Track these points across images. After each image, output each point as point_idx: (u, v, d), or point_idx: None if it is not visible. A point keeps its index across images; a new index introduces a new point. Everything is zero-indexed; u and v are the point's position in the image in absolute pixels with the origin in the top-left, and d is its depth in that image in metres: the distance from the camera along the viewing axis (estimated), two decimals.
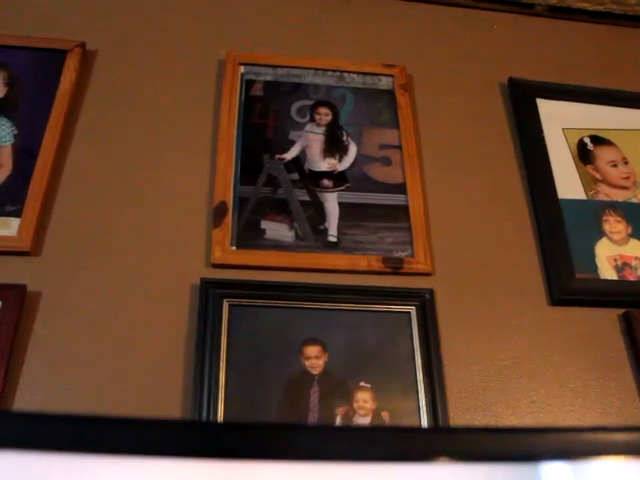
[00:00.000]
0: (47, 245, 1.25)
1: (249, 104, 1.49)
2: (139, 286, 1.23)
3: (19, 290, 1.16)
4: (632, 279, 1.39)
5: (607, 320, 1.34)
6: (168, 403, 1.11)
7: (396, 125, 1.52)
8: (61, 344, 1.15)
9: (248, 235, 1.31)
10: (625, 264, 1.41)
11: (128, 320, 1.19)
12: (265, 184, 1.39)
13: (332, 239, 1.34)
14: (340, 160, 1.45)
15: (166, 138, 1.42)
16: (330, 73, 1.58)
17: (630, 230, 1.46)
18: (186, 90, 1.50)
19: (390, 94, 1.57)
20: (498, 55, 1.72)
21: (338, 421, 1.13)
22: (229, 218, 1.32)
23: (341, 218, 1.37)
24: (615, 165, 1.57)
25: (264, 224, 1.33)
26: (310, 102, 1.53)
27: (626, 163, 1.57)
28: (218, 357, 1.14)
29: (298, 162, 1.43)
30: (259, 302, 1.23)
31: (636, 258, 1.42)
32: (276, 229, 1.33)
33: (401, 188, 1.43)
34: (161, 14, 1.62)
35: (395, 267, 1.32)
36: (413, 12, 1.75)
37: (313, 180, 1.42)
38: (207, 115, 1.47)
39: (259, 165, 1.41)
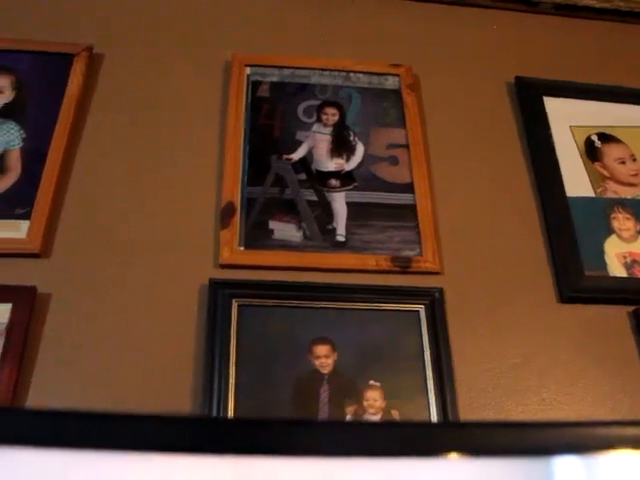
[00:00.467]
0: (57, 247, 1.26)
1: (256, 105, 1.49)
2: (148, 287, 1.24)
3: (29, 292, 1.16)
4: None
5: (617, 317, 1.33)
6: (178, 403, 1.12)
7: (403, 125, 1.52)
8: (72, 345, 1.15)
9: (256, 235, 1.31)
10: (634, 261, 1.40)
11: (137, 321, 1.19)
12: (273, 184, 1.39)
13: (340, 239, 1.34)
14: (347, 160, 1.45)
15: (173, 140, 1.43)
16: (336, 73, 1.58)
17: (639, 227, 1.46)
18: (193, 92, 1.50)
19: (397, 94, 1.57)
20: (504, 54, 1.72)
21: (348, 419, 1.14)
22: (237, 219, 1.32)
23: (349, 218, 1.37)
24: (623, 162, 1.56)
25: (272, 224, 1.34)
26: (317, 102, 1.53)
27: (634, 160, 1.56)
28: (228, 357, 1.15)
29: (305, 162, 1.44)
30: (268, 302, 1.23)
31: None
32: (284, 229, 1.33)
33: (409, 187, 1.42)
34: (167, 17, 1.62)
35: (404, 266, 1.32)
36: (419, 11, 1.75)
37: (320, 180, 1.42)
38: (214, 117, 1.47)
39: (266, 166, 1.41)
